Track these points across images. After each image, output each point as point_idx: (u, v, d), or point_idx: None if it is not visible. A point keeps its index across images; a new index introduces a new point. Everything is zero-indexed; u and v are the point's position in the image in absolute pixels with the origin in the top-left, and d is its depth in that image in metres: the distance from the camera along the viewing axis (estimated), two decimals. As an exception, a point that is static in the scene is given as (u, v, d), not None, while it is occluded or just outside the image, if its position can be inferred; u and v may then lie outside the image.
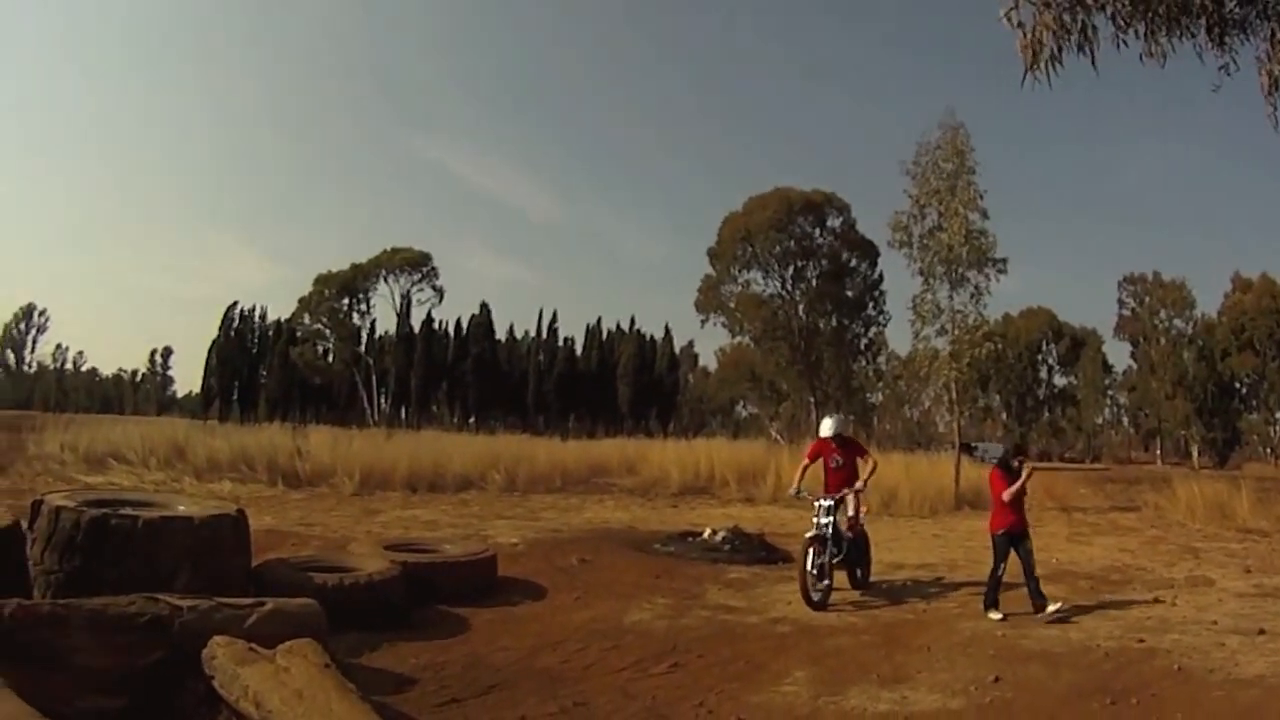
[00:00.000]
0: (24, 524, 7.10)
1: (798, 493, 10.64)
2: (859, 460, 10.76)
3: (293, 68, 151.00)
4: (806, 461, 10.95)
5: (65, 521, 6.80)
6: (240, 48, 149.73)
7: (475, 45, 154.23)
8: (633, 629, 8.29)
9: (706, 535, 13.82)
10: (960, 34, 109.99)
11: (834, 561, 9.97)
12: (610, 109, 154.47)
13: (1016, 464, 9.44)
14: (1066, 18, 7.51)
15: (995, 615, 9.09)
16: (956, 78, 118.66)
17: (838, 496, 10.25)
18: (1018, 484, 9.22)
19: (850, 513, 10.43)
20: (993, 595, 9.30)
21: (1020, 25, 7.61)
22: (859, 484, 10.44)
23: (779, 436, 51.81)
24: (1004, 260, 25.83)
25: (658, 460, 26.98)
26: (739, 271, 58.61)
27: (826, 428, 10.88)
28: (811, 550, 9.72)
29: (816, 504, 10.23)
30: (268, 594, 6.48)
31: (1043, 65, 7.47)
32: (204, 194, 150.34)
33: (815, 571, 9.68)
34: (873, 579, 11.07)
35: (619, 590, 10.25)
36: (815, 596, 9.50)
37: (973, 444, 53.92)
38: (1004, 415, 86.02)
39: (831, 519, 10.00)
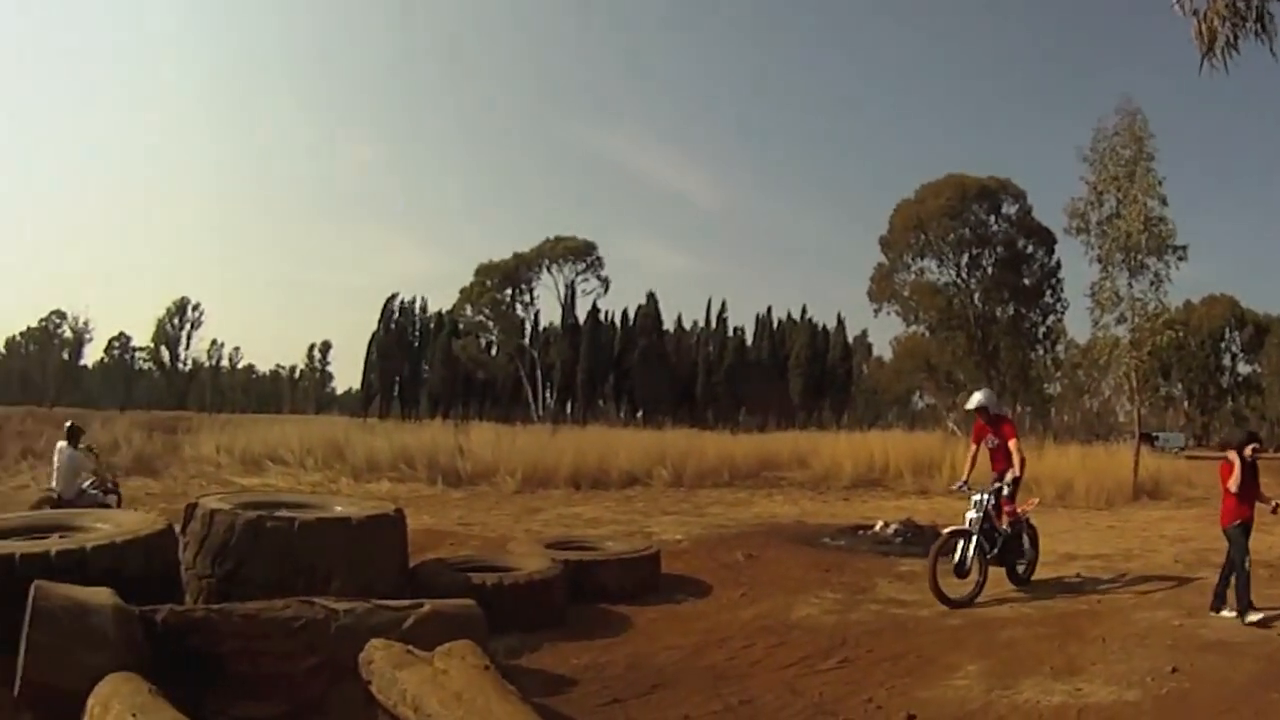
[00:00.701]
0: (177, 528, 7.36)
1: (963, 486, 10.29)
2: (1010, 445, 10.27)
3: (453, 59, 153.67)
4: (973, 448, 10.71)
5: (219, 524, 7.05)
6: (396, 40, 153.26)
7: (639, 33, 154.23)
8: (800, 624, 8.24)
9: (878, 528, 13.84)
10: (1138, 18, 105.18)
11: (987, 558, 9.74)
12: (777, 95, 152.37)
13: (1249, 453, 9.03)
14: (1240, 3, 7.26)
15: (1254, 617, 8.60)
16: (1134, 62, 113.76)
17: (994, 488, 10.01)
18: (1236, 472, 8.82)
19: (1005, 493, 10.14)
20: (1245, 595, 8.83)
21: (1194, 13, 7.41)
22: (1009, 476, 10.07)
23: (955, 428, 50.86)
24: (1184, 247, 26.03)
25: (829, 453, 26.97)
26: (913, 260, 58.62)
27: (974, 400, 10.66)
28: (954, 544, 9.61)
29: (972, 497, 9.97)
30: (425, 594, 6.61)
31: (1218, 52, 7.23)
32: (359, 183, 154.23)
33: (956, 567, 9.53)
34: (1045, 570, 10.89)
35: (786, 585, 10.23)
36: (951, 594, 9.23)
37: (1153, 434, 52.67)
38: (1186, 404, 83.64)
39: (982, 513, 9.77)
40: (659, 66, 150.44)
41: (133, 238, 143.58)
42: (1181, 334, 28.74)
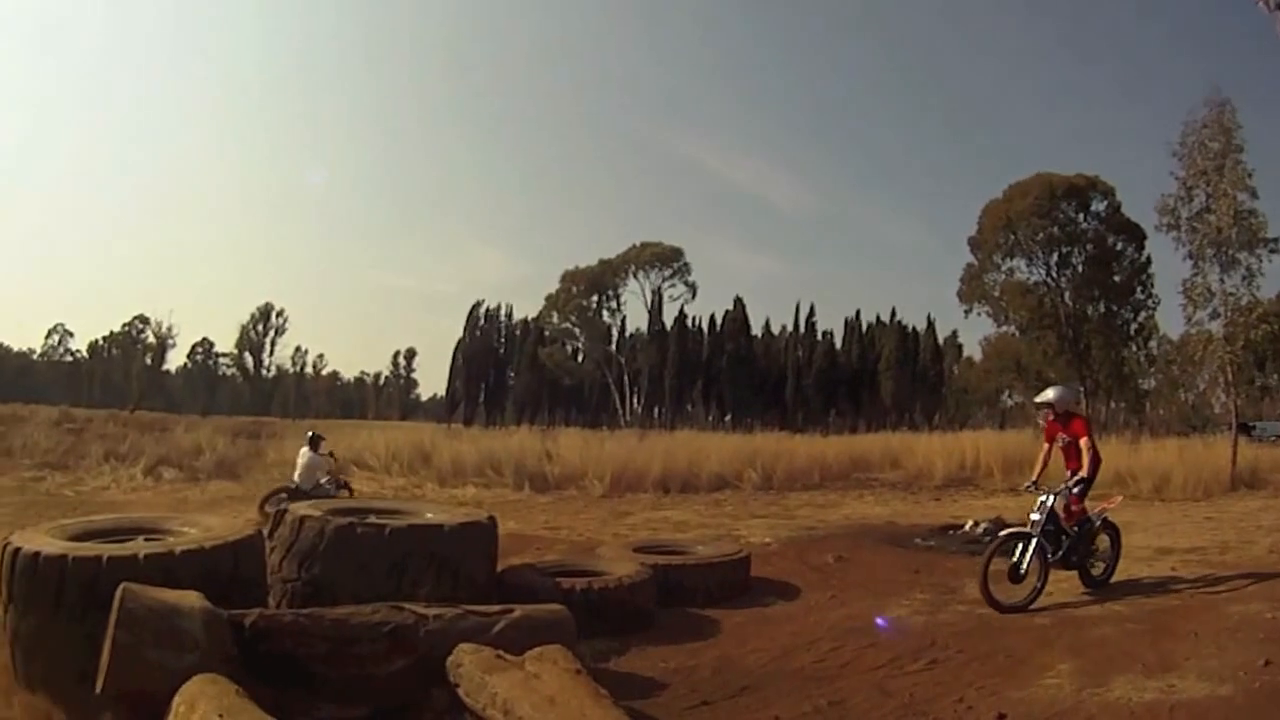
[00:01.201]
0: (263, 533, 7.38)
1: (1031, 486, 9.80)
2: (1081, 443, 9.86)
3: (540, 65, 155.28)
4: (1045, 445, 10.34)
5: (309, 530, 7.09)
6: (485, 45, 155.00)
7: (723, 39, 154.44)
8: (890, 626, 8.11)
9: (968, 528, 13.83)
10: (1224, 10, 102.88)
11: (1051, 560, 9.31)
12: (860, 99, 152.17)
13: None
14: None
15: None
16: (1223, 50, 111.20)
17: (1062, 489, 9.63)
18: None
19: (1072, 501, 9.72)
20: None
21: (1277, 8, 7.21)
22: (1077, 477, 9.66)
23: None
24: (1276, 240, 25.82)
25: (921, 453, 27.00)
26: (1002, 260, 59.13)
27: (1044, 395, 10.30)
28: (1012, 546, 9.15)
29: (1038, 498, 9.51)
30: (513, 599, 6.61)
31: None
32: (444, 190, 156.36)
33: (1011, 570, 9.03)
34: (1139, 566, 10.78)
35: (875, 587, 10.18)
36: (1004, 599, 8.81)
37: (1250, 424, 51.56)
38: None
39: (1045, 514, 9.30)
40: (742, 71, 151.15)
41: (218, 245, 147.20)
42: (1277, 327, 28.35)
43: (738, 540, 12.86)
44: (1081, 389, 56.05)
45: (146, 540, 6.38)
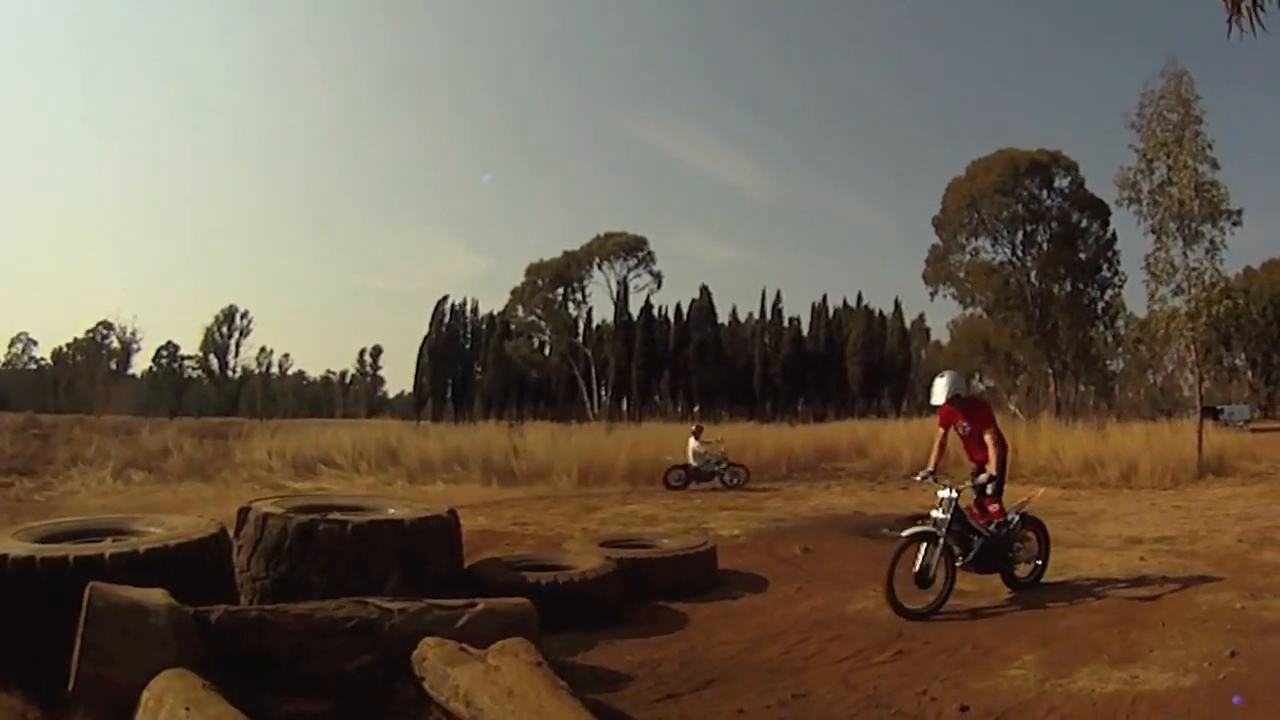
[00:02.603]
0: (230, 531, 7.46)
1: (927, 477, 9.22)
2: (985, 434, 9.37)
3: (497, 57, 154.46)
4: (940, 432, 9.74)
5: (272, 528, 7.18)
6: (439, 38, 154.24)
7: (680, 24, 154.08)
8: (856, 618, 8.25)
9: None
10: None
11: (961, 563, 8.84)
12: (820, 81, 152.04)
13: None
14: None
15: None
16: (1186, 20, 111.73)
17: (971, 484, 9.22)
18: None
19: (988, 491, 9.26)
20: None
21: None
22: (985, 475, 9.20)
23: (1017, 410, 50.83)
24: (1238, 212, 26.36)
25: (889, 441, 27.30)
26: (966, 240, 59.66)
27: (938, 389, 9.58)
28: (918, 549, 8.57)
29: (939, 493, 8.92)
30: (480, 594, 6.66)
31: (1244, 11, 7.11)
32: (405, 187, 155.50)
33: (917, 575, 8.45)
34: (1110, 556, 11.04)
35: (843, 579, 10.24)
36: (911, 605, 8.25)
37: (1217, 407, 51.96)
38: (1249, 374, 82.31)
39: (950, 512, 8.71)
40: (701, 57, 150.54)
41: (180, 248, 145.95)
42: (1241, 302, 28.58)
43: (706, 533, 13.02)
44: (1050, 370, 56.52)
45: (114, 541, 6.46)
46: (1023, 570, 9.51)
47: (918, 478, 9.43)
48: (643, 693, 6.20)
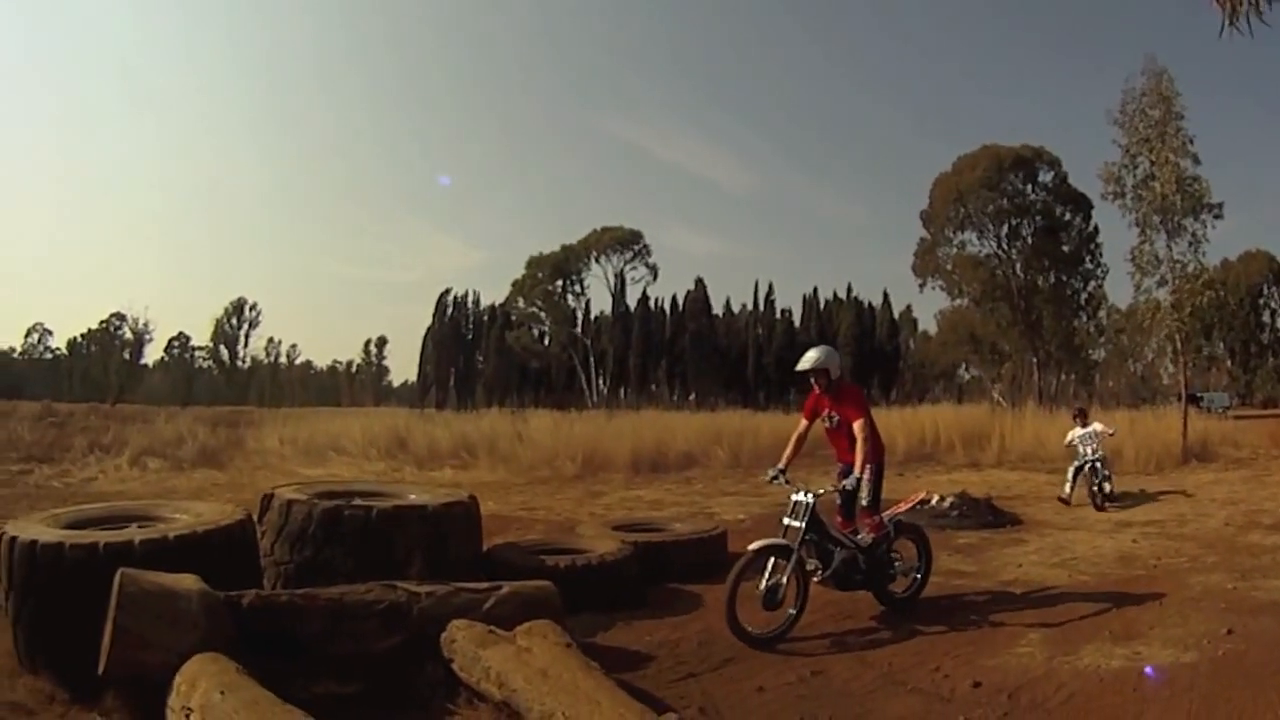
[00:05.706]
0: (254, 517, 7.32)
1: (777, 477, 7.92)
2: (855, 426, 7.81)
3: (483, 55, 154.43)
4: (803, 423, 8.35)
5: (297, 514, 7.05)
6: (437, 40, 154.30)
7: (665, 22, 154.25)
8: (865, 597, 8.09)
9: (934, 502, 13.85)
10: None
11: (821, 578, 7.52)
12: (807, 77, 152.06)
13: None
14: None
15: None
16: (1162, 19, 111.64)
17: (838, 487, 7.89)
18: None
19: (863, 503, 7.82)
20: None
21: None
22: (853, 477, 7.67)
23: (1001, 399, 51.09)
24: (1219, 205, 26.26)
25: (881, 428, 26.89)
26: (953, 233, 59.74)
27: (806, 358, 8.10)
28: (763, 564, 7.16)
29: (792, 497, 7.51)
30: (499, 578, 6.60)
31: (1242, 18, 6.97)
32: (410, 183, 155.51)
33: (765, 594, 7.04)
34: (1101, 539, 11.13)
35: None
36: (755, 630, 6.90)
37: (1198, 394, 52.11)
38: (1228, 363, 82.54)
39: (805, 520, 7.28)
40: (688, 54, 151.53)
41: (190, 241, 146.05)
42: (1221, 293, 28.59)
43: (712, 517, 12.98)
44: (1034, 360, 56.67)
45: (140, 527, 6.34)
46: (899, 584, 8.09)
47: (767, 477, 8.05)
48: (664, 672, 6.20)
